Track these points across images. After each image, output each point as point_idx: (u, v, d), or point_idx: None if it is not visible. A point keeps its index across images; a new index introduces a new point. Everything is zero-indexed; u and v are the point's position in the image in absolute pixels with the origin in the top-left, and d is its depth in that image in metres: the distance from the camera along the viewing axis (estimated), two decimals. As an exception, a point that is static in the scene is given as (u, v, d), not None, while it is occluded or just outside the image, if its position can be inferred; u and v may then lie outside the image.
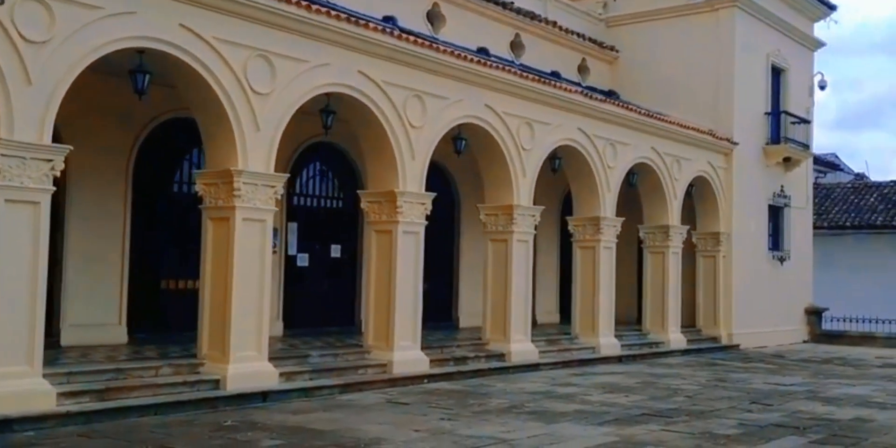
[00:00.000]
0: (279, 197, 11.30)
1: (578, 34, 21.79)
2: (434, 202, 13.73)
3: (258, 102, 10.93)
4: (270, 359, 11.38)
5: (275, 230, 15.09)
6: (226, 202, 10.83)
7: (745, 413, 10.92)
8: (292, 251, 15.67)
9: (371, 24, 12.26)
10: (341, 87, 12.05)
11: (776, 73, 23.20)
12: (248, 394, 10.57)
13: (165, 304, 13.60)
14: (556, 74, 18.94)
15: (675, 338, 19.31)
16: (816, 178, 30.76)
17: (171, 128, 13.47)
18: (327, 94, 12.19)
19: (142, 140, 13.29)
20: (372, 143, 13.00)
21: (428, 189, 13.62)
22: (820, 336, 23.98)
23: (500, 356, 14.87)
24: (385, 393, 11.80)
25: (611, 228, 17.55)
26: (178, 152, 13.98)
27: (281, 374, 11.25)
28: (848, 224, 29.32)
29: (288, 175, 11.40)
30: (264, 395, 10.71)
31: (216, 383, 10.57)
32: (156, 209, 13.73)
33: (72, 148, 9.28)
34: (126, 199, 13.01)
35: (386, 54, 12.57)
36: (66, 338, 12.14)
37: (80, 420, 8.95)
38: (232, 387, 10.54)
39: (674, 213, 19.44)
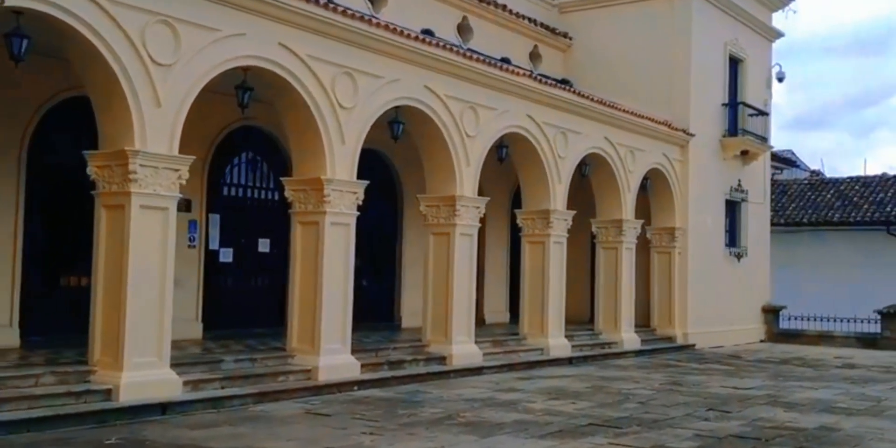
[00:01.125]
0: (184, 182, 10.00)
1: (530, 19, 20.72)
2: (376, 194, 12.58)
3: (159, 74, 9.64)
4: (177, 365, 10.14)
5: (194, 222, 13.89)
6: (120, 187, 9.53)
7: (702, 422, 9.91)
8: (214, 245, 14.35)
9: (293, -8, 11.02)
10: (259, 60, 10.78)
11: (734, 63, 22.37)
12: (144, 406, 9.28)
13: (66, 303, 12.17)
14: (506, 61, 17.82)
15: (629, 338, 18.34)
16: (773, 174, 30.08)
17: (74, 108, 12.08)
18: (244, 69, 10.95)
19: (37, 122, 11.91)
20: (296, 125, 11.77)
21: (368, 179, 12.48)
22: (777, 335, 23.22)
23: (441, 359, 13.74)
24: (307, 402, 10.59)
25: (561, 222, 16.51)
26: (84, 134, 12.56)
27: (186, 383, 9.98)
28: (805, 221, 28.68)
29: (193, 157, 10.06)
30: (164, 407, 9.42)
31: (107, 394, 9.27)
32: (56, 198, 12.35)
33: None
34: (18, 188, 11.64)
35: (311, 26, 11.35)
36: (-54, 342, 10.76)
37: (-67, 439, 7.64)
38: (125, 398, 9.25)
39: (627, 206, 18.47)
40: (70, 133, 12.34)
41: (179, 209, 12.89)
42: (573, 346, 16.71)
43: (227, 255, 14.57)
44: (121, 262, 9.48)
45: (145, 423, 8.94)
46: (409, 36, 12.82)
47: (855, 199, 28.72)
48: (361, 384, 11.86)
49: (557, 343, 16.25)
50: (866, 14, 78.41)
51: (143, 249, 9.54)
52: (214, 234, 14.31)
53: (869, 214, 27.59)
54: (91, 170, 9.75)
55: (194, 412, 9.60)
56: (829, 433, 9.31)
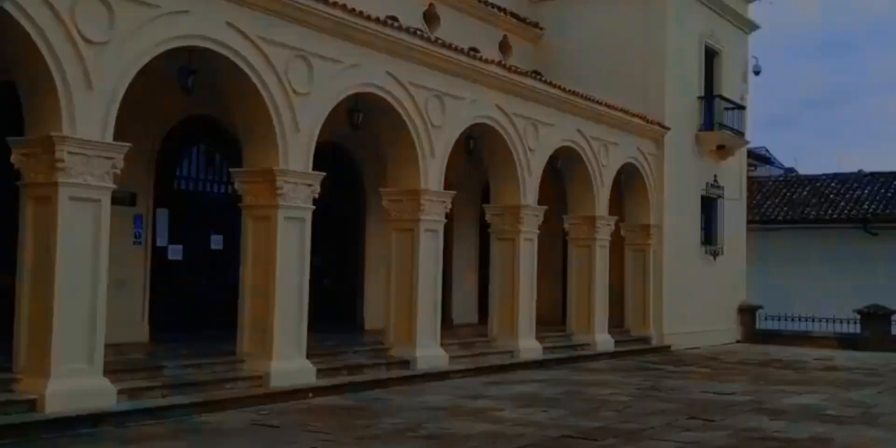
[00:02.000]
0: (119, 171, 9.12)
1: (500, 8, 19.96)
2: (338, 188, 11.75)
3: (91, 54, 8.74)
4: (114, 371, 9.28)
5: (140, 217, 12.99)
6: (47, 177, 8.64)
7: (684, 432, 9.19)
8: (162, 242, 13.43)
9: (242, -32, 10.17)
10: (204, 40, 9.91)
11: (710, 55, 21.75)
12: (72, 417, 8.40)
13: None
14: (474, 51, 17.06)
15: (603, 339, 17.63)
16: (748, 171, 29.59)
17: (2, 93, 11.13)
18: (188, 50, 10.07)
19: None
20: (246, 112, 10.92)
21: (328, 171, 11.66)
22: (754, 336, 22.63)
23: (404, 363, 12.95)
24: (256, 412, 9.74)
25: (532, 218, 15.76)
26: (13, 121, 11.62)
27: (122, 392, 9.10)
28: (781, 218, 28.20)
29: (128, 145, 9.16)
30: (95, 419, 8.54)
31: (32, 404, 8.39)
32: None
33: None
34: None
35: (262, 4, 10.50)
36: None
37: None
38: (52, 409, 8.38)
39: (601, 202, 17.76)
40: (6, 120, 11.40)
41: (123, 203, 12.10)
42: (545, 348, 15.97)
43: (176, 253, 13.65)
44: (49, 260, 8.60)
45: (73, 438, 8.07)
46: (369, 18, 12.00)
47: (831, 196, 28.27)
48: (317, 391, 11.03)
49: (528, 345, 15.51)
50: (832, 16, 78.62)
51: (72, 245, 8.67)
52: (162, 229, 13.39)
53: (846, 212, 27.14)
54: (15, 158, 8.84)
55: (130, 424, 8.73)
56: (823, 446, 8.61)
